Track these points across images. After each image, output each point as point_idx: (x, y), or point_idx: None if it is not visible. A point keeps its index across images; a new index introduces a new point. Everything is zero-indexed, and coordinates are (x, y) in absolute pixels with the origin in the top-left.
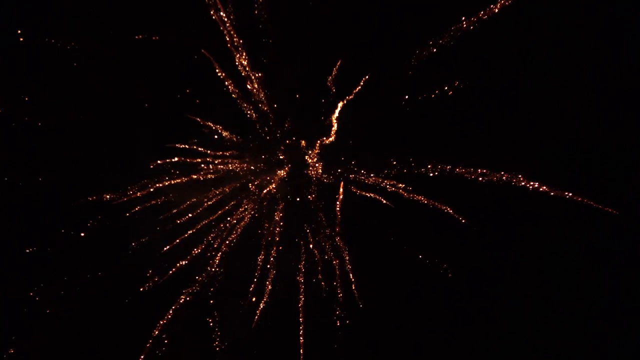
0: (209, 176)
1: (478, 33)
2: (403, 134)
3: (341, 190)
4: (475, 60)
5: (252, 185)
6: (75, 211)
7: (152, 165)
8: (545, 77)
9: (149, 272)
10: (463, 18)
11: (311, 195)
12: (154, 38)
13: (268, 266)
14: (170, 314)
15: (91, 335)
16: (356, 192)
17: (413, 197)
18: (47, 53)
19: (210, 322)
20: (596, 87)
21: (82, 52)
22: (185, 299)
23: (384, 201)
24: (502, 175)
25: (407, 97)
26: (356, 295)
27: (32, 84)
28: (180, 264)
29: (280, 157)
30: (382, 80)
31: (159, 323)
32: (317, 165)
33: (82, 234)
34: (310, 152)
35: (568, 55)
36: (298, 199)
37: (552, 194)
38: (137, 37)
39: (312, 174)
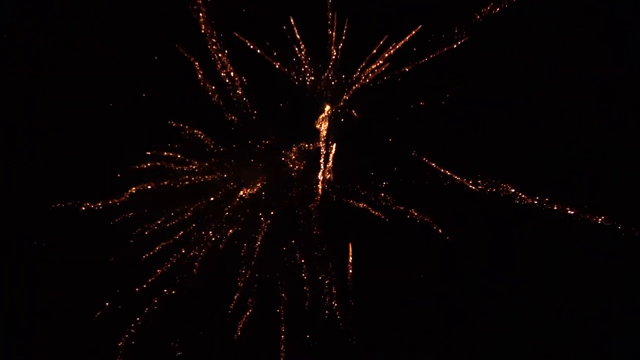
0: (192, 179)
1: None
2: (391, 142)
3: (320, 190)
4: (464, 69)
5: (234, 191)
6: (51, 216)
7: (127, 172)
8: (533, 86)
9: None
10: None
11: (294, 201)
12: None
13: (247, 276)
14: (141, 324)
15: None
16: (343, 200)
17: (399, 207)
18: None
19: (190, 335)
20: (581, 96)
21: (63, 53)
22: (162, 308)
23: (372, 210)
24: (491, 184)
25: (395, 105)
26: (335, 304)
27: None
28: (158, 272)
29: (260, 165)
30: (372, 88)
31: (131, 333)
32: (298, 163)
33: (59, 240)
34: (294, 156)
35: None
36: (281, 206)
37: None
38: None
39: (294, 175)
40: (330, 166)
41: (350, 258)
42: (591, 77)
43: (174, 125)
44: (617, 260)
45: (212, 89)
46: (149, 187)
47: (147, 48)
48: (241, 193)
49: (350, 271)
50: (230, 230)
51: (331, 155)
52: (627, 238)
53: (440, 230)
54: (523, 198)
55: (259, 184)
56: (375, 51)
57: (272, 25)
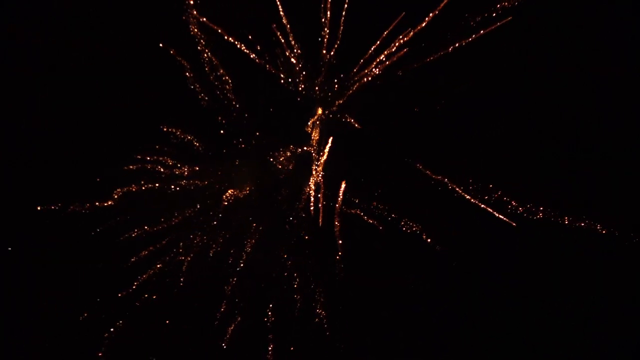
0: (182, 182)
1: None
2: (384, 147)
3: (312, 195)
4: (459, 73)
5: (223, 194)
6: (38, 218)
7: (116, 175)
8: (527, 92)
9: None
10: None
11: (284, 206)
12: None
13: (236, 282)
14: (126, 328)
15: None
16: (334, 205)
17: (391, 214)
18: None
19: (178, 341)
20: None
21: (61, 53)
22: (149, 313)
23: (363, 216)
24: (483, 190)
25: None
26: (324, 313)
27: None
28: (145, 276)
29: (250, 168)
30: (366, 92)
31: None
32: (287, 165)
33: (45, 242)
34: (283, 159)
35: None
36: (271, 210)
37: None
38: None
39: (282, 178)
40: (320, 171)
41: (340, 263)
42: (587, 81)
43: (165, 129)
44: (615, 268)
45: (202, 91)
46: (137, 189)
47: (137, 50)
48: (230, 196)
49: (340, 277)
50: (220, 235)
51: (322, 160)
52: (625, 244)
53: (429, 240)
54: (514, 206)
55: (248, 188)
56: (368, 55)
57: (264, 28)
